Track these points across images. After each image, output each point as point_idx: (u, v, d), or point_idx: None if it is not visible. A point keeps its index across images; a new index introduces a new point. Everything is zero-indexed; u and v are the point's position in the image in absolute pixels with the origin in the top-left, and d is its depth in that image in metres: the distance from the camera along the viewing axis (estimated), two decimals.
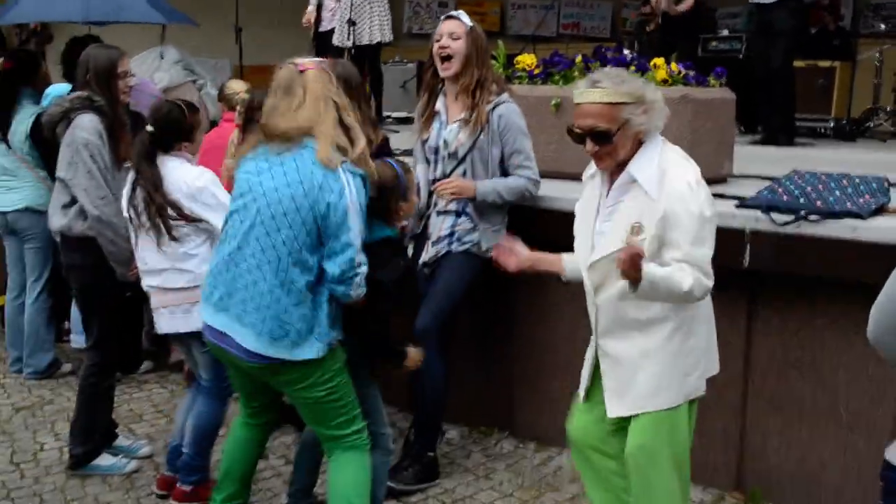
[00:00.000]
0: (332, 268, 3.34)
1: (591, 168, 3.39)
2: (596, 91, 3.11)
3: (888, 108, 9.70)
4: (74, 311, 6.13)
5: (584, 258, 3.35)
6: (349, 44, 8.53)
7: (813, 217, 4.12)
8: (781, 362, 4.34)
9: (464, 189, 4.40)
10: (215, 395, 4.31)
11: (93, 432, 4.74)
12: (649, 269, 2.97)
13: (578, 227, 3.42)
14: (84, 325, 4.73)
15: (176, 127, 4.17)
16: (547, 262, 3.60)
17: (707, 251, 3.11)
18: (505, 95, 4.49)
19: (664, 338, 3.26)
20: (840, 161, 6.45)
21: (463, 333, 4.78)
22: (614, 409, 3.38)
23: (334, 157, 3.31)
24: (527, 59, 5.54)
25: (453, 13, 4.59)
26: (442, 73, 4.47)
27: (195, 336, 4.13)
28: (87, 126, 4.44)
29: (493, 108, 4.42)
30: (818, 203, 4.20)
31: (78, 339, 6.09)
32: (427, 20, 14.94)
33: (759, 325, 4.38)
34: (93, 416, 4.72)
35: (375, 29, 8.73)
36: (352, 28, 8.56)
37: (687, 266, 3.04)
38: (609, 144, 3.13)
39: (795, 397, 4.32)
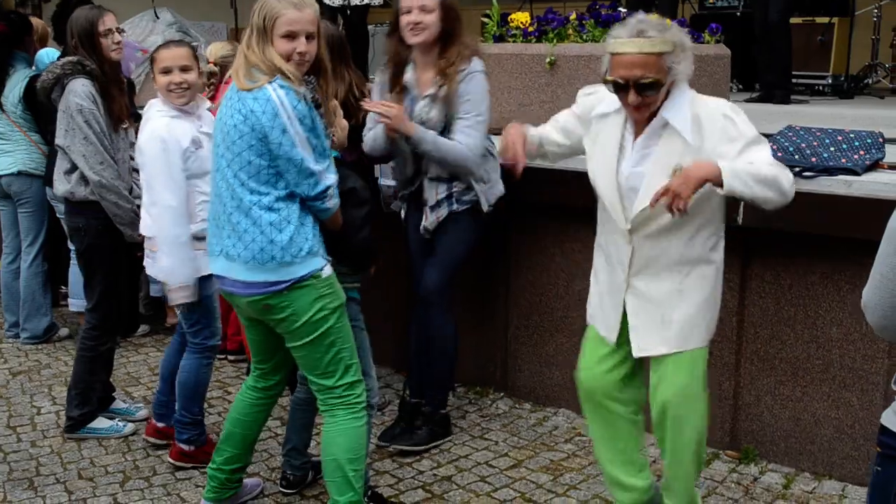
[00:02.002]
0: (300, 190, 3.35)
1: (602, 107, 3.37)
2: (643, 40, 3.06)
3: (886, 65, 9.64)
4: (72, 275, 6.13)
5: (612, 201, 3.31)
6: (338, 2, 8.42)
7: (807, 173, 4.10)
8: (775, 320, 4.33)
9: (402, 123, 4.17)
10: (196, 350, 4.34)
11: (90, 395, 4.76)
12: (728, 163, 3.00)
13: (599, 168, 3.36)
14: (85, 288, 4.73)
15: None
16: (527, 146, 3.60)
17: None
18: (475, 62, 4.27)
19: (703, 277, 3.32)
20: (837, 117, 6.42)
21: (458, 294, 4.77)
22: (646, 348, 3.38)
23: (251, 77, 3.31)
24: (521, 17, 5.51)
25: None
26: (410, 40, 4.23)
27: None
28: (79, 91, 4.42)
29: (462, 80, 4.23)
30: (812, 159, 4.17)
31: (75, 303, 6.10)
32: None
33: (753, 283, 4.36)
34: (91, 378, 4.74)
35: None
36: None
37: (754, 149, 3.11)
38: (655, 94, 3.12)
39: (789, 355, 4.32)
